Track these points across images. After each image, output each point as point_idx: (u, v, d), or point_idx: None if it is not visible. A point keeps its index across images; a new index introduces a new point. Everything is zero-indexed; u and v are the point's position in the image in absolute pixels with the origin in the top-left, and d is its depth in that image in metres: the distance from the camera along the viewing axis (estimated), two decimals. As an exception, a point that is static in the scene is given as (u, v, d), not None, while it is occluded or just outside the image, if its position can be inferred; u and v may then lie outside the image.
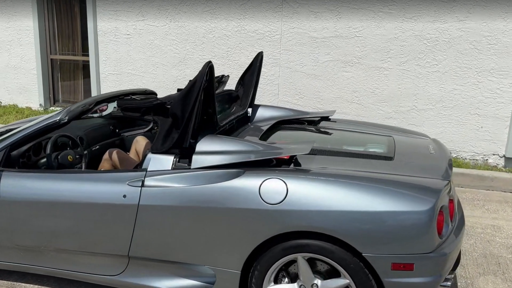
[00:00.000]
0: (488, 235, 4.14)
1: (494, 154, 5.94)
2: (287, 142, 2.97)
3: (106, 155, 3.91)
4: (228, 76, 4.06)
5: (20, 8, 7.96)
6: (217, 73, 6.89)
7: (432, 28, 5.87)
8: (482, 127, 5.92)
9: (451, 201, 2.65)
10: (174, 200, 2.66)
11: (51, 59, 8.13)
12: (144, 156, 2.88)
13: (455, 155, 6.08)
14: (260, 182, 2.55)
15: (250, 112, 3.98)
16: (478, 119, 5.91)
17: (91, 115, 4.19)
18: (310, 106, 6.54)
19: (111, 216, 2.77)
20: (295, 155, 2.86)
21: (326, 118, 4.02)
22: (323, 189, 2.48)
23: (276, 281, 2.69)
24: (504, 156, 5.89)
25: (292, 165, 2.76)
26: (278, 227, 2.49)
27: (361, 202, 2.42)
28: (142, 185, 2.73)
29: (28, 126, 3.13)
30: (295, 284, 2.65)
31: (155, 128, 4.15)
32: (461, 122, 5.98)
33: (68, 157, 3.48)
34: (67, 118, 3.11)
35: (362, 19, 6.11)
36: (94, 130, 4.22)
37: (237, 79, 6.05)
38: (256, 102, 6.66)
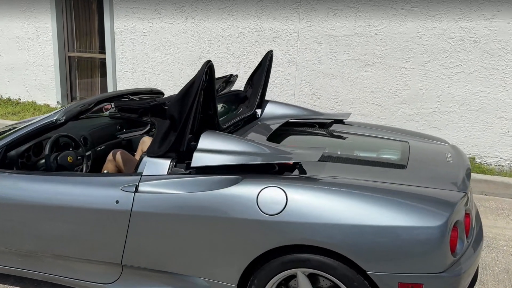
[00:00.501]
0: (512, 248, 3.87)
1: (521, 160, 5.63)
2: (295, 146, 2.78)
3: (110, 156, 3.80)
4: (236, 75, 3.90)
5: (38, 5, 7.96)
6: (232, 72, 6.74)
7: (457, 26, 5.58)
8: (509, 131, 5.61)
9: (467, 215, 2.42)
10: (168, 208, 2.50)
11: (68, 56, 8.12)
12: (140, 159, 2.74)
13: (479, 161, 5.78)
14: (258, 191, 2.38)
15: (259, 114, 3.81)
16: (505, 123, 5.59)
17: (92, 114, 4.08)
18: (327, 107, 6.33)
19: (103, 222, 2.64)
20: (299, 162, 2.67)
21: (340, 121, 3.80)
22: (325, 200, 2.29)
23: (275, 296, 2.51)
24: (532, 162, 5.58)
25: (295, 172, 2.58)
26: (276, 239, 2.31)
27: (366, 215, 2.22)
28: (136, 191, 2.59)
29: (24, 126, 3.03)
30: (295, 300, 2.47)
31: (153, 130, 4.01)
32: (487, 126, 5.67)
33: (68, 158, 3.37)
34: (64, 118, 2.99)
35: (383, 16, 5.86)
36: (99, 130, 4.11)
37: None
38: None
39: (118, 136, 3.81)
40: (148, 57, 7.29)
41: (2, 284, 3.21)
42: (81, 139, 3.84)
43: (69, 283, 2.89)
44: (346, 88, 6.20)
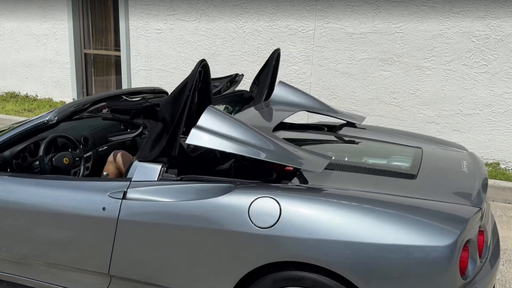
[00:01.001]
0: (535, 263, 3.59)
1: (550, 167, 5.30)
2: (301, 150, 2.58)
3: (110, 157, 3.68)
4: (242, 75, 3.72)
5: (55, 2, 7.94)
6: (246, 70, 6.56)
7: (481, 24, 5.27)
8: (536, 135, 5.28)
9: (481, 232, 2.19)
10: (155, 217, 2.35)
11: (84, 53, 8.08)
12: (130, 164, 2.59)
13: (503, 166, 5.46)
14: (250, 201, 2.20)
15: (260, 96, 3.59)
16: (533, 126, 5.27)
17: (94, 114, 3.96)
18: (344, 107, 6.09)
19: (90, 229, 2.50)
20: (300, 168, 2.47)
21: (352, 125, 3.55)
22: (322, 213, 2.09)
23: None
24: (561, 169, 5.24)
25: (293, 180, 2.38)
26: (268, 255, 2.13)
27: (366, 231, 2.02)
28: (123, 197, 2.44)
29: (16, 127, 2.92)
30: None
31: (145, 132, 3.87)
32: (513, 129, 5.36)
33: (64, 159, 3.25)
34: (56, 118, 2.87)
35: (403, 13, 5.59)
36: (102, 130, 3.99)
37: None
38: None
39: (109, 139, 3.66)
40: (163, 55, 7.18)
41: (-5, 288, 3.13)
42: (82, 139, 3.72)
43: (59, 291, 2.77)
44: (364, 88, 5.96)
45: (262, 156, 2.26)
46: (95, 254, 2.52)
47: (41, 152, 3.13)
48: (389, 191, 2.28)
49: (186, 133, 2.70)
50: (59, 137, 3.35)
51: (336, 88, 6.11)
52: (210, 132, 2.35)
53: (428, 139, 3.39)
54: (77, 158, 3.41)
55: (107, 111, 2.80)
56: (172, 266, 2.36)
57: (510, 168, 5.44)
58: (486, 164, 5.47)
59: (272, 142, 2.37)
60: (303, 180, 2.39)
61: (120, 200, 2.44)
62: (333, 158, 2.83)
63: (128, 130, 4.14)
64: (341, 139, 3.26)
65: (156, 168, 2.50)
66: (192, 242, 2.28)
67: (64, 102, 8.23)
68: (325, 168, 2.56)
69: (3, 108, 7.79)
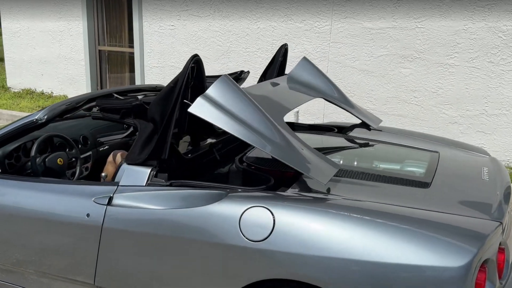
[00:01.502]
0: None
1: None
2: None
3: (110, 158, 3.53)
4: (248, 72, 3.51)
5: (70, -2, 7.88)
6: (260, 68, 6.35)
7: (509, 18, 4.95)
8: None
9: (501, 250, 1.94)
10: (141, 225, 2.16)
11: (99, 50, 7.99)
12: (119, 166, 2.41)
13: (532, 170, 5.13)
14: (242, 211, 1.99)
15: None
16: None
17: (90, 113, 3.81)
18: (361, 106, 5.83)
19: (75, 237, 2.33)
20: (302, 173, 2.25)
21: (367, 126, 3.26)
22: (322, 226, 1.87)
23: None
24: None
25: (292, 187, 2.16)
26: (259, 271, 1.92)
27: (369, 248, 1.79)
28: (109, 203, 2.26)
29: (4, 127, 2.78)
30: None
31: (136, 133, 3.69)
32: (542, 131, 5.02)
33: (58, 160, 3.10)
34: (45, 117, 2.72)
35: (425, 7, 5.30)
36: (104, 128, 3.84)
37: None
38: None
39: (97, 140, 3.49)
40: (176, 52, 7.02)
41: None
42: (80, 139, 3.57)
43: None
44: (382, 86, 5.68)
45: (265, 148, 2.03)
46: (80, 263, 2.35)
47: (33, 152, 2.99)
48: (399, 201, 2.04)
49: (178, 135, 2.51)
50: (54, 137, 3.21)
51: (354, 86, 5.85)
52: (217, 105, 2.10)
53: (447, 142, 3.12)
54: (73, 159, 3.26)
55: (97, 110, 2.63)
56: (158, 279, 2.18)
57: (538, 172, 5.11)
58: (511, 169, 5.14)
59: (280, 134, 2.12)
60: (303, 187, 2.16)
61: (105, 206, 2.26)
62: (341, 162, 2.60)
63: (132, 128, 3.98)
64: (351, 142, 3.02)
65: (145, 172, 2.32)
66: (179, 254, 2.09)
67: (79, 99, 8.17)
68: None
69: (17, 105, 7.76)
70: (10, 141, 2.82)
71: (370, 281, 1.77)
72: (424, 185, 2.26)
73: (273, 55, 6.03)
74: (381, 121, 3.26)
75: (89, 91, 8.04)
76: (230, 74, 3.37)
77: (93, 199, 2.31)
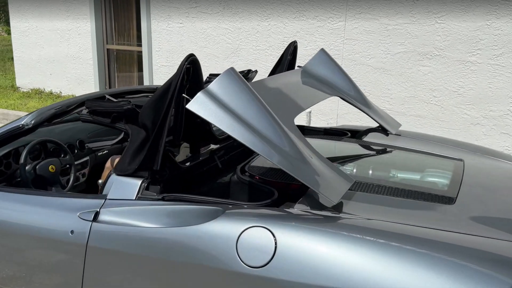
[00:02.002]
0: None
1: None
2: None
3: (108, 163, 3.32)
4: (256, 71, 3.26)
5: (78, -5, 7.72)
6: (270, 66, 6.09)
7: (537, 12, 4.63)
8: None
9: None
10: (128, 245, 1.93)
11: (107, 49, 7.82)
12: (107, 178, 2.18)
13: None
14: (240, 232, 1.75)
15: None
16: None
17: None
18: (378, 106, 5.55)
19: (58, 256, 2.12)
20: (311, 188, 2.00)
21: (384, 131, 2.98)
22: (332, 251, 1.62)
23: None
24: None
25: (298, 203, 1.91)
26: (258, 302, 1.68)
27: (385, 277, 1.54)
28: (94, 219, 2.04)
29: (-11, 131, 2.57)
30: None
31: (128, 139, 3.46)
32: None
33: (50, 167, 2.89)
34: (32, 122, 2.53)
35: (445, 1, 5.00)
36: (103, 132, 3.63)
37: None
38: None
39: (85, 145, 3.26)
40: (184, 50, 6.81)
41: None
42: (77, 143, 3.36)
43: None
44: (400, 85, 5.40)
45: (272, 158, 1.77)
46: (66, 284, 2.13)
47: (22, 159, 2.78)
48: (418, 220, 1.77)
49: (173, 142, 2.27)
50: (45, 142, 3.00)
51: (369, 85, 5.57)
52: (220, 103, 1.83)
53: (472, 148, 2.84)
54: (67, 165, 3.05)
55: (87, 112, 2.41)
56: (148, 305, 1.95)
57: None
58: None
59: (290, 141, 1.86)
60: (311, 203, 1.91)
61: (90, 223, 2.04)
62: (354, 171, 2.35)
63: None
64: (366, 148, 2.76)
65: (135, 184, 2.09)
66: (169, 279, 1.86)
67: (87, 99, 8.01)
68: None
69: (25, 105, 7.63)
70: None
71: (386, 317, 1.52)
72: (448, 200, 1.99)
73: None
74: (400, 125, 2.98)
75: (98, 90, 7.88)
76: None
77: (78, 214, 2.09)
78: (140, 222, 1.95)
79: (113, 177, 2.14)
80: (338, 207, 1.87)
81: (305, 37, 5.84)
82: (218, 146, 2.66)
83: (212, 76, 3.04)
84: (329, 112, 5.89)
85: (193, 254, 1.80)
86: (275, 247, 1.67)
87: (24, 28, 8.40)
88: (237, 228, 1.75)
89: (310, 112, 5.41)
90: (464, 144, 2.90)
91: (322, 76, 2.84)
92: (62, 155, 3.10)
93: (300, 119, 5.40)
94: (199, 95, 1.83)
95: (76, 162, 3.26)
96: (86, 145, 3.39)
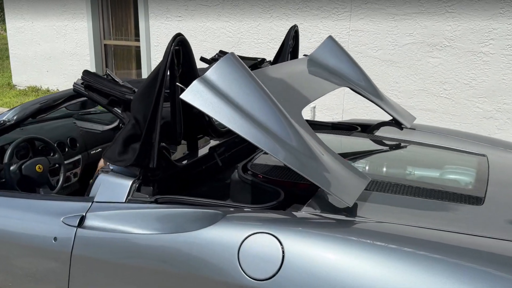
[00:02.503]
0: None
1: None
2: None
3: (101, 162, 3.11)
4: (269, 61, 3.03)
5: (74, -10, 7.51)
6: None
7: (554, -2, 4.40)
8: None
9: None
10: (116, 254, 1.73)
11: (104, 44, 7.60)
12: (95, 178, 1.97)
13: None
14: (242, 239, 1.53)
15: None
16: None
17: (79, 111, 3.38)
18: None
19: (41, 266, 1.91)
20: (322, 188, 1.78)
21: (399, 125, 2.75)
22: (349, 261, 1.41)
23: None
24: None
25: (307, 205, 1.70)
26: (264, 320, 1.46)
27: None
28: (79, 225, 1.83)
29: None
30: None
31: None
32: None
33: (37, 166, 2.69)
34: (15, 118, 2.33)
35: (456, -11, 4.78)
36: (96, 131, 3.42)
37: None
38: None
39: (74, 122, 2.95)
40: (184, 44, 6.59)
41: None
42: (68, 141, 3.16)
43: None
44: (409, 78, 5.19)
45: (278, 154, 1.56)
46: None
47: (6, 159, 2.58)
48: (443, 224, 1.56)
49: (174, 140, 2.05)
50: (32, 140, 2.79)
51: (376, 78, 5.36)
52: (219, 92, 1.61)
53: (493, 142, 2.62)
54: (56, 165, 2.84)
55: (82, 83, 2.11)
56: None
57: None
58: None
59: (298, 135, 1.65)
60: (322, 205, 1.69)
61: (75, 229, 1.83)
62: (366, 169, 2.13)
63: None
64: (379, 143, 2.54)
65: (125, 184, 1.87)
66: (163, 291, 1.65)
67: (85, 97, 7.81)
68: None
69: (20, 103, 7.43)
70: None
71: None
72: (476, 201, 1.77)
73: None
74: (414, 118, 2.77)
75: (95, 87, 7.67)
76: (247, 58, 2.88)
77: (61, 218, 1.88)
78: (130, 227, 1.74)
79: (101, 177, 1.93)
80: (352, 210, 1.65)
81: (309, 29, 5.61)
82: (217, 142, 2.45)
83: (222, 54, 2.80)
84: (334, 107, 5.67)
85: (190, 264, 1.58)
86: (283, 256, 1.46)
87: (19, 25, 8.19)
88: (239, 234, 1.54)
89: (314, 107, 5.19)
90: (484, 138, 2.68)
91: (330, 65, 2.63)
92: (52, 154, 2.89)
93: (304, 115, 5.18)
94: (195, 84, 1.61)
95: (66, 161, 3.06)
96: (74, 122, 3.16)
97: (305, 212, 1.64)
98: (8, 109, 6.94)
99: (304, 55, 2.73)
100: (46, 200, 1.98)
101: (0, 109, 7.11)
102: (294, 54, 2.91)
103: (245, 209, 1.67)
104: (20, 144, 2.68)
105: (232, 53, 1.74)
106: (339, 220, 1.56)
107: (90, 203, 1.88)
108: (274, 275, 1.45)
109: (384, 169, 2.18)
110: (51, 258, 1.87)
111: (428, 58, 5.12)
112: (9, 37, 8.41)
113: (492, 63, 4.83)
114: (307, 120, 2.95)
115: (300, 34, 5.58)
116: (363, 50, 5.39)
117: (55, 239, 1.85)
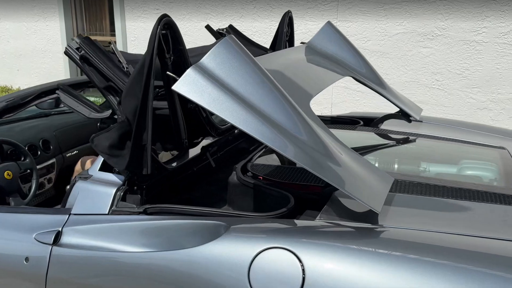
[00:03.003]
0: None
1: None
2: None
3: (77, 166, 2.86)
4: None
5: (44, -17, 7.15)
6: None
7: (549, -17, 4.28)
8: None
9: None
10: (100, 277, 1.46)
11: (78, 40, 7.26)
12: (72, 186, 1.70)
13: None
14: (252, 256, 1.29)
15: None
16: None
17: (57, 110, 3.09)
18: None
19: (11, 289, 1.63)
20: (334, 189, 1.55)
21: (407, 117, 2.54)
22: (375, 277, 1.18)
23: None
24: None
25: (323, 211, 1.46)
26: None
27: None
28: (55, 242, 1.56)
29: None
30: None
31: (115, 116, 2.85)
32: None
33: (6, 173, 2.40)
34: (-22, 118, 2.04)
35: (448, -24, 4.64)
36: (72, 129, 3.14)
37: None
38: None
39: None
40: (163, 38, 6.32)
41: None
42: (40, 143, 2.86)
43: None
44: (399, 69, 5.04)
45: (287, 151, 1.31)
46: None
47: (-31, 165, 2.29)
48: (477, 228, 1.34)
49: (178, 145, 1.78)
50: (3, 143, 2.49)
51: (365, 70, 5.18)
52: (214, 79, 1.37)
53: (506, 133, 2.44)
54: (27, 170, 2.55)
55: (78, 45, 1.79)
56: None
57: None
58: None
59: (310, 129, 1.41)
60: (339, 212, 1.46)
61: (50, 247, 1.56)
62: (375, 165, 1.91)
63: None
64: (385, 137, 2.33)
65: (108, 193, 1.61)
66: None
67: (59, 96, 7.47)
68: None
69: (-10, 104, 7.05)
70: None
71: None
72: (507, 199, 1.56)
73: (271, 38, 5.33)
74: (421, 110, 2.56)
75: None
76: (254, 44, 2.63)
77: (34, 235, 1.60)
78: (115, 244, 1.48)
79: (79, 184, 1.66)
80: (375, 216, 1.42)
81: (295, 20, 5.40)
82: (210, 140, 2.19)
83: (231, 29, 2.55)
84: (322, 101, 5.47)
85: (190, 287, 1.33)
86: (303, 277, 1.22)
87: (-14, 21, 7.79)
88: (248, 250, 1.29)
89: (303, 101, 4.99)
90: (497, 129, 2.49)
91: (330, 53, 2.41)
92: (22, 158, 2.59)
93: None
94: (189, 72, 1.35)
95: (39, 166, 2.77)
96: (64, 143, 2.86)
97: (321, 220, 1.40)
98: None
99: (302, 42, 2.50)
100: (15, 213, 1.70)
101: (-33, 110, 6.72)
102: (290, 42, 2.69)
103: (251, 219, 1.43)
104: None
105: (231, 36, 1.49)
106: (364, 229, 1.33)
107: (67, 216, 1.62)
108: (293, 299, 1.22)
109: (395, 166, 1.97)
110: (24, 280, 1.60)
111: (419, 48, 4.97)
112: (-24, 35, 8.00)
113: (485, 52, 4.71)
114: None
115: (286, 25, 5.37)
116: (352, 41, 5.20)
117: (26, 259, 1.58)
